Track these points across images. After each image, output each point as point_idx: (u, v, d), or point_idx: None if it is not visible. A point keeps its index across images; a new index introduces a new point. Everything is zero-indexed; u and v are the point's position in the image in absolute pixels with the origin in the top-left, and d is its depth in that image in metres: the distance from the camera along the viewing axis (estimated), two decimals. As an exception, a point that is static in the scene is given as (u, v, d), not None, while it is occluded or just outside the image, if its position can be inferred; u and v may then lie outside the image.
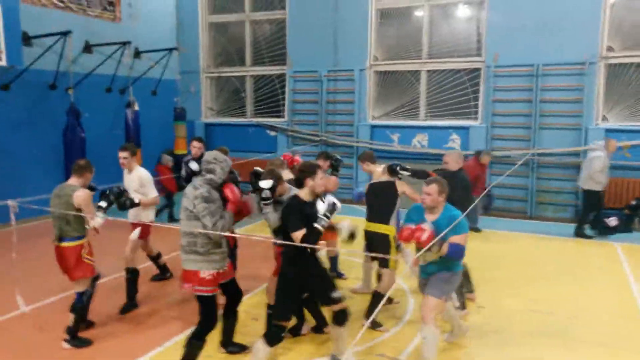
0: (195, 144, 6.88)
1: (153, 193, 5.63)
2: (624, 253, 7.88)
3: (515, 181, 10.36)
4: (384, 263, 5.14)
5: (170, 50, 12.58)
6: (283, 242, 3.95)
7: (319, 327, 4.93)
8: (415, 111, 11.47)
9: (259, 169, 4.96)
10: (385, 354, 4.58)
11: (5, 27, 8.65)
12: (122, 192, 4.94)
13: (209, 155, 4.13)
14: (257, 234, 8.10)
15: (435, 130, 11.10)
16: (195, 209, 3.91)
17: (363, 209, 5.63)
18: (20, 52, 9.03)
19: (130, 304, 5.59)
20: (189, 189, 4.06)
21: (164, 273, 6.50)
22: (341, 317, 4.14)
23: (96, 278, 5.01)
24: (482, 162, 8.92)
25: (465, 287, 5.45)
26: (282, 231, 4.12)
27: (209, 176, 4.04)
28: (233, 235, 4.46)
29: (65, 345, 4.69)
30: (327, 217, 3.87)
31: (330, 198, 3.97)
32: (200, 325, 4.06)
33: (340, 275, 6.52)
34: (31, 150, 9.84)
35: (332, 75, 11.89)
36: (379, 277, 5.42)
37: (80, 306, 4.71)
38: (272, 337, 4.04)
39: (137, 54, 11.96)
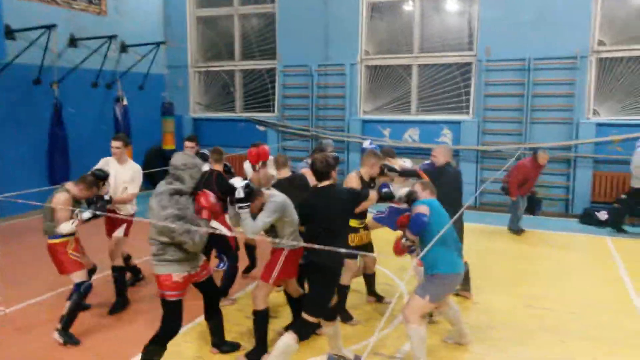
0: (188, 143, 6.68)
1: (135, 190, 5.58)
2: (615, 247, 7.90)
3: (506, 176, 10.34)
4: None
5: (158, 44, 12.36)
6: (262, 239, 3.92)
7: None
8: (407, 106, 11.40)
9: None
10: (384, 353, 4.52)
11: (-13, 20, 8.42)
12: (105, 204, 4.92)
13: (177, 159, 3.80)
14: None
15: (427, 124, 11.05)
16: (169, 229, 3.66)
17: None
18: (3, 46, 8.78)
19: (121, 302, 5.44)
20: (155, 204, 3.72)
21: (137, 275, 6.16)
22: (336, 311, 4.15)
23: (92, 271, 5.08)
24: (539, 163, 8.47)
25: (461, 285, 5.33)
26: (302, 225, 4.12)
27: (176, 185, 3.74)
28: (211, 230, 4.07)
29: (56, 335, 4.60)
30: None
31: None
32: (162, 330, 3.87)
33: None
34: (15, 147, 9.59)
35: (323, 69, 11.77)
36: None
37: (77, 296, 4.67)
38: (303, 334, 3.93)
39: (124, 48, 11.74)
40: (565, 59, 9.86)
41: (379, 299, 5.67)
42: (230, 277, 5.57)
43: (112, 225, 5.52)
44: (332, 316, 4.11)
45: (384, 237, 5.76)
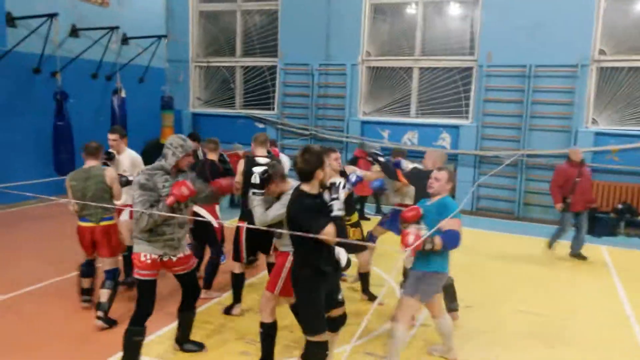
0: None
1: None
2: (610, 256, 7.91)
3: (503, 182, 10.38)
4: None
5: (159, 37, 12.33)
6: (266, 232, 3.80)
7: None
8: (407, 108, 11.41)
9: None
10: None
11: (-12, 6, 8.39)
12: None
13: (169, 138, 4.00)
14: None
15: (426, 128, 11.06)
16: (133, 196, 3.85)
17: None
18: (4, 33, 8.74)
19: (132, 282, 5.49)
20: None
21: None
22: (340, 322, 3.76)
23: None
24: (573, 159, 7.57)
25: (447, 305, 4.94)
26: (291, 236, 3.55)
27: (160, 162, 3.92)
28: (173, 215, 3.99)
29: (99, 322, 4.70)
30: (337, 199, 3.36)
31: (334, 179, 3.51)
32: (136, 310, 3.95)
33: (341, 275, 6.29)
34: (14, 136, 9.56)
35: (324, 69, 11.77)
36: None
37: (112, 283, 4.78)
38: (318, 355, 3.49)
39: (125, 40, 11.71)
40: (566, 67, 9.88)
41: (372, 298, 5.66)
42: (212, 269, 5.64)
43: (117, 210, 5.55)
44: (334, 327, 3.72)
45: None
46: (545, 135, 10.14)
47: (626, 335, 5.12)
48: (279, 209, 3.80)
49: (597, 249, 8.34)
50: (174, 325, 4.79)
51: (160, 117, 12.15)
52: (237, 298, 5.17)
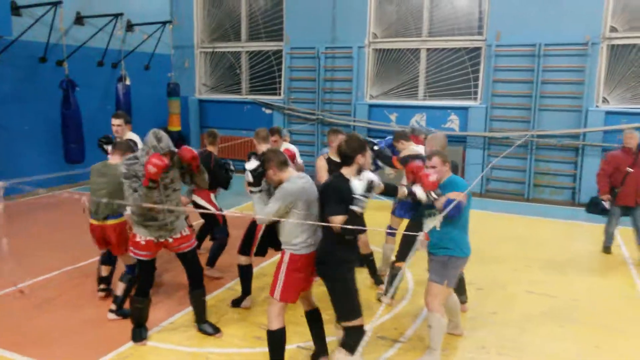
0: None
1: None
2: (621, 236, 7.86)
3: (513, 163, 10.30)
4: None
5: (164, 23, 12.26)
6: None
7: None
8: (414, 90, 11.30)
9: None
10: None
11: (-8, -5, 8.35)
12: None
13: (150, 133, 4.07)
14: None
15: (434, 110, 10.96)
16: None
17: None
18: (9, 22, 8.71)
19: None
20: None
21: None
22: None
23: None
24: (627, 145, 6.61)
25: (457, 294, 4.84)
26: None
27: (137, 153, 4.15)
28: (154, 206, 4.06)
29: (112, 315, 4.77)
30: (366, 197, 3.43)
31: (368, 174, 3.53)
32: (137, 284, 4.35)
33: None
34: (21, 126, 9.60)
35: (330, 52, 11.66)
36: None
37: (130, 277, 4.78)
38: (354, 343, 3.43)
39: (130, 26, 11.65)
40: (576, 45, 9.71)
41: (378, 282, 5.64)
42: (217, 247, 5.75)
43: None
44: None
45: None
46: (555, 115, 10.02)
47: (638, 316, 5.10)
48: (274, 203, 3.55)
49: (608, 229, 8.28)
50: (185, 312, 4.86)
51: (167, 104, 12.15)
52: (246, 290, 5.09)
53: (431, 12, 10.94)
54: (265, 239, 4.72)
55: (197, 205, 5.59)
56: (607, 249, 7.12)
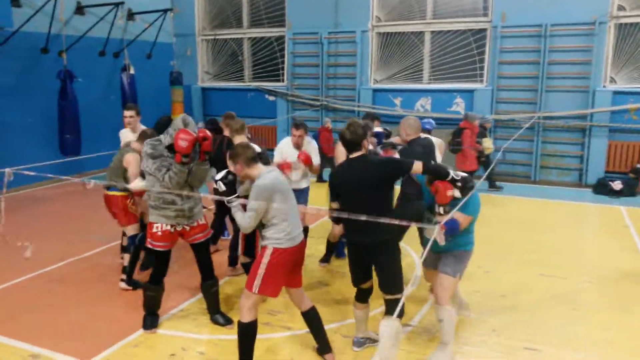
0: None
1: None
2: (630, 217, 7.80)
3: (520, 145, 10.21)
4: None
5: (165, 11, 12.15)
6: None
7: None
8: (419, 74, 11.19)
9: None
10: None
11: (-9, -14, 8.28)
12: None
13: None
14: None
15: (439, 93, 10.86)
16: (147, 167, 4.02)
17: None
18: (9, 13, 8.66)
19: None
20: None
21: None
22: (369, 292, 3.96)
23: (144, 225, 5.15)
24: None
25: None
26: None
27: (161, 136, 4.12)
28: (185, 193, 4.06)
29: (122, 285, 5.06)
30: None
31: None
32: (151, 272, 4.31)
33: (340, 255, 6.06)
34: (23, 117, 9.57)
35: (333, 37, 11.55)
36: None
37: (132, 247, 5.02)
38: (400, 310, 3.58)
39: (131, 15, 11.56)
40: (583, 25, 9.57)
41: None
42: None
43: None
44: (367, 298, 3.95)
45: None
46: (562, 96, 9.91)
47: (650, 296, 5.07)
48: (252, 205, 3.47)
49: (616, 209, 8.23)
50: (194, 300, 4.86)
51: (170, 93, 12.10)
52: None
53: (435, -7, 10.79)
54: None
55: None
56: None
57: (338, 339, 4.22)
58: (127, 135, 5.68)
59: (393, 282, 3.72)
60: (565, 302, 4.92)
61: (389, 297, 3.74)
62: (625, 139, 9.65)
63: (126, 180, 4.90)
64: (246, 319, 3.58)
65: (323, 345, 3.91)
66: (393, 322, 3.10)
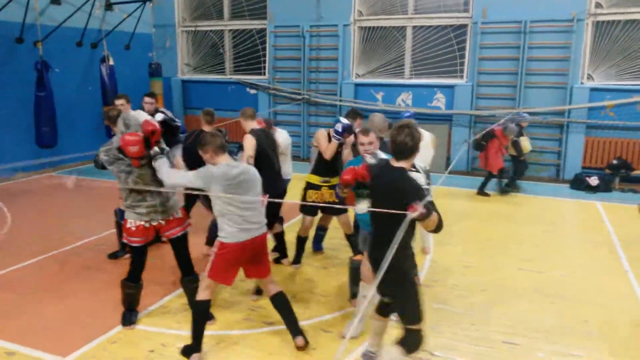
0: (147, 99, 6.69)
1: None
2: (606, 212, 7.96)
3: (499, 141, 10.29)
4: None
5: (144, 1, 11.92)
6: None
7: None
8: (401, 69, 11.21)
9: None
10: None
11: (-37, -27, 8.02)
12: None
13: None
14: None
15: (420, 88, 10.90)
16: (111, 171, 4.10)
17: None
18: (-19, 1, 8.41)
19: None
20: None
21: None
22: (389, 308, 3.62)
23: None
24: None
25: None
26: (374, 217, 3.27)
27: (112, 139, 4.15)
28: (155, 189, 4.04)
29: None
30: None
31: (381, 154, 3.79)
32: (129, 269, 4.29)
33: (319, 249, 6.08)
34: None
35: (315, 30, 11.49)
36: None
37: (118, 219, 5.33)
38: (415, 346, 3.30)
39: (109, 5, 11.34)
40: (562, 22, 9.69)
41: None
42: (216, 228, 5.51)
43: None
44: (389, 312, 3.64)
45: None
46: (541, 92, 10.03)
47: (625, 291, 5.17)
48: (191, 177, 3.71)
49: (592, 205, 8.38)
50: (174, 295, 4.81)
51: (149, 85, 11.91)
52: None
53: (417, -12, 10.81)
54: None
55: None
56: None
57: (319, 334, 4.22)
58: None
59: (407, 311, 3.36)
60: (543, 295, 5.00)
61: (408, 327, 3.35)
62: (602, 135, 9.82)
63: None
64: (201, 297, 3.83)
65: (293, 329, 3.95)
66: (395, 351, 3.23)
